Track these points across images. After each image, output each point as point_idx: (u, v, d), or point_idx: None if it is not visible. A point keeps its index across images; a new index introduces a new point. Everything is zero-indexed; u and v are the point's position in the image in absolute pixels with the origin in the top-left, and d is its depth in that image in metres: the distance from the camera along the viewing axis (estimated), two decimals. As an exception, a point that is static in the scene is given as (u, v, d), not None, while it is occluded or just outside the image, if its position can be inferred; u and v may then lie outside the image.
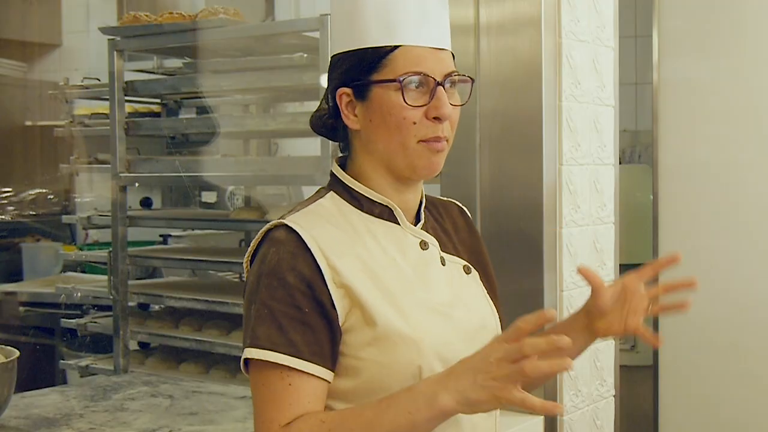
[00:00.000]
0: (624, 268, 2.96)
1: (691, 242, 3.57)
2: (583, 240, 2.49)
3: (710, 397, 3.52)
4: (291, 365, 1.34)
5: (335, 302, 1.38)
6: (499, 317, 1.57)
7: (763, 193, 3.47)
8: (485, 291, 1.57)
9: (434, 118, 1.41)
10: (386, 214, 1.48)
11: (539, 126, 2.35)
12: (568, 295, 2.43)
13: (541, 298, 2.35)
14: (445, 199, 1.67)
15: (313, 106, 1.60)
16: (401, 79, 1.40)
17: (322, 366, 1.37)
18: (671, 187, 3.61)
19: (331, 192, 1.50)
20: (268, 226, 1.44)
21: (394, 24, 1.41)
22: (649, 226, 3.67)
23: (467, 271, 1.55)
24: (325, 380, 1.38)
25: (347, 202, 1.48)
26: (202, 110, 3.95)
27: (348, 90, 1.46)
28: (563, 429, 2.42)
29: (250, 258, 1.46)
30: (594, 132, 2.54)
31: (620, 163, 2.71)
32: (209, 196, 4.28)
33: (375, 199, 1.48)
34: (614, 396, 2.67)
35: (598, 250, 2.56)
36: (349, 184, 1.49)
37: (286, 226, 1.41)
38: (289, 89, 3.13)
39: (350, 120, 1.47)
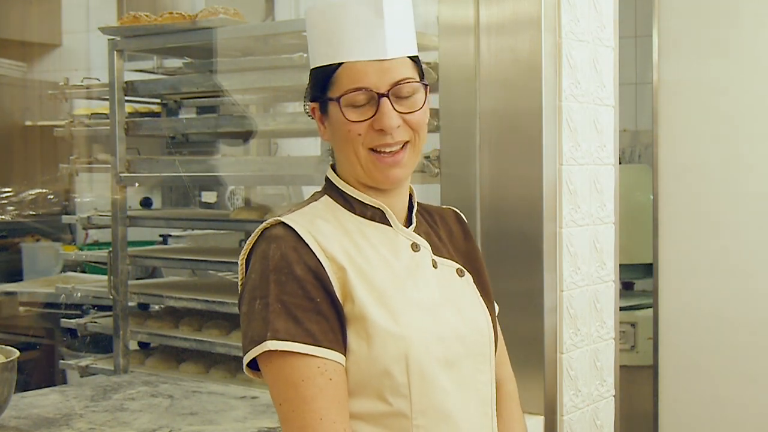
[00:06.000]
0: (624, 268, 2.99)
1: (691, 242, 3.57)
2: (583, 240, 2.49)
3: (710, 397, 3.52)
4: (315, 354, 1.38)
5: (336, 291, 1.42)
6: (493, 319, 1.60)
7: (764, 192, 3.46)
8: (479, 293, 1.60)
9: (378, 129, 1.45)
10: (378, 216, 1.52)
11: (539, 126, 2.35)
12: (568, 295, 2.43)
13: (541, 298, 2.35)
14: (443, 207, 1.71)
15: (313, 106, 1.63)
16: (338, 98, 1.45)
17: (339, 352, 1.41)
18: (671, 187, 3.61)
19: (326, 195, 1.55)
20: (264, 225, 1.48)
21: (335, 43, 1.46)
22: (649, 226, 3.67)
23: (460, 273, 1.58)
24: (343, 366, 1.42)
25: (341, 205, 1.52)
26: (202, 110, 3.94)
27: (315, 105, 1.52)
28: (563, 429, 2.42)
29: (246, 256, 1.48)
30: (594, 132, 2.54)
31: (620, 163, 2.71)
32: (209, 196, 4.28)
33: (367, 202, 1.52)
34: (614, 396, 2.67)
35: (598, 250, 2.56)
36: (342, 188, 1.53)
37: (282, 223, 1.45)
38: (289, 89, 3.13)
39: (321, 131, 1.54)
